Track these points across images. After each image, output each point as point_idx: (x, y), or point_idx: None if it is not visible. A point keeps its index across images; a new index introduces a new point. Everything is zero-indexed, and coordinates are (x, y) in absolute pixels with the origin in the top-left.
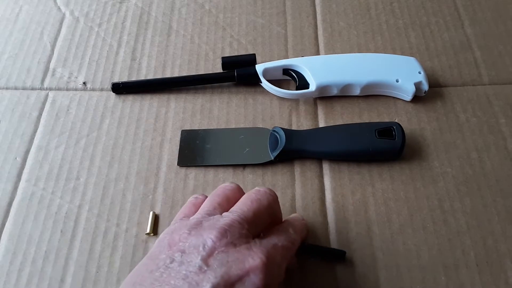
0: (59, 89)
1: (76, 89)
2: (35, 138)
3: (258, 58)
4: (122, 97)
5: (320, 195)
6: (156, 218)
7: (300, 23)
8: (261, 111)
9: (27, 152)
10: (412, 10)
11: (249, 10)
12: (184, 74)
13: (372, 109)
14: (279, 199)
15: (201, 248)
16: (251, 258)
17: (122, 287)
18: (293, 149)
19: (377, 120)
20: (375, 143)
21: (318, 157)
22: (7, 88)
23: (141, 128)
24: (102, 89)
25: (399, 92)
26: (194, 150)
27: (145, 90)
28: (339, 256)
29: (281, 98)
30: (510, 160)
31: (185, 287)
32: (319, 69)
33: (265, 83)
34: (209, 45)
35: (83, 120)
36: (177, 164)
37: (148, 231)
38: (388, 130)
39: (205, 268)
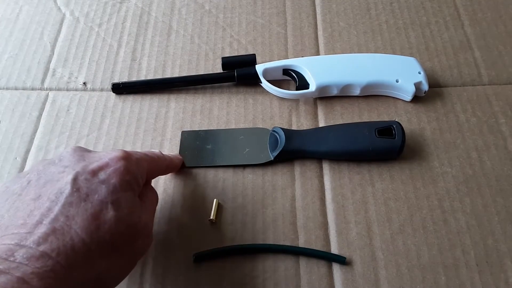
0: (59, 89)
1: (76, 89)
2: (35, 138)
3: (258, 58)
4: (122, 97)
5: (320, 195)
6: (219, 206)
7: (300, 23)
8: (261, 111)
9: (27, 152)
10: (412, 10)
11: (249, 10)
12: (184, 74)
13: (372, 109)
14: (279, 199)
15: (57, 161)
16: (112, 153)
17: None
18: (293, 149)
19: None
20: (375, 142)
21: (318, 157)
22: (7, 88)
23: (141, 128)
24: (102, 89)
25: (399, 92)
26: (194, 150)
27: (145, 90)
28: (338, 261)
29: (281, 98)
30: (510, 160)
31: (48, 187)
32: (319, 69)
33: (265, 83)
34: (209, 45)
35: (83, 120)
36: None
37: (211, 217)
38: (388, 129)
39: (64, 169)
